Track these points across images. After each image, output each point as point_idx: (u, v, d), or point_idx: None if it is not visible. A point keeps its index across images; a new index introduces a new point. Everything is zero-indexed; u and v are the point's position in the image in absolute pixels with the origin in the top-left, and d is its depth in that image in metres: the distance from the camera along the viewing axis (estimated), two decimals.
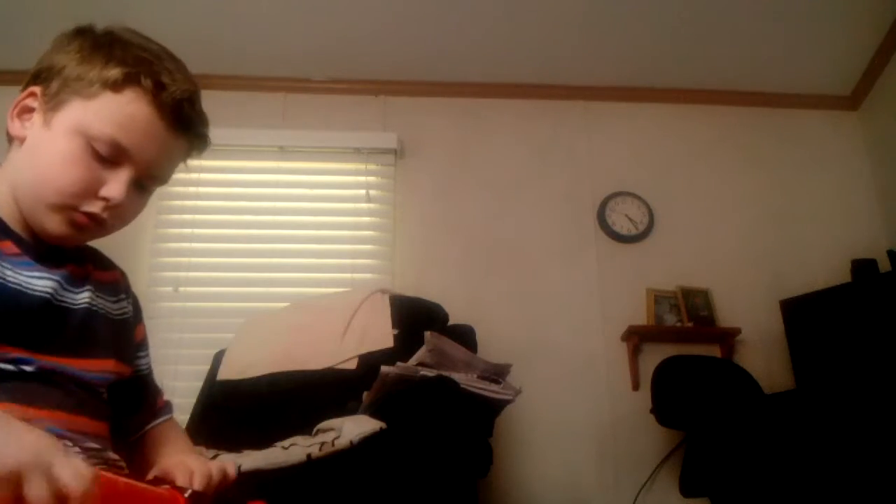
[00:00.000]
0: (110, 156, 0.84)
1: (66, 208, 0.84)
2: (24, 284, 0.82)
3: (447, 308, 2.41)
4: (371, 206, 2.95)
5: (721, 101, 3.16)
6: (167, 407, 1.12)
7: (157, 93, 0.85)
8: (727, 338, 2.74)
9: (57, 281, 0.86)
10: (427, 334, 1.83)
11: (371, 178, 3.00)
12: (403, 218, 2.95)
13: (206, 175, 2.94)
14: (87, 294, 0.91)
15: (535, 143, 3.09)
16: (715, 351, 2.74)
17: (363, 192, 2.96)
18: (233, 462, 0.95)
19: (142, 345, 1.06)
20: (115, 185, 0.85)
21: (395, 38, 2.92)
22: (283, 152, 3.00)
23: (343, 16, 2.80)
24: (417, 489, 1.47)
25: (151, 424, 1.07)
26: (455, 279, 2.82)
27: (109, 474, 0.63)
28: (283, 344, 2.26)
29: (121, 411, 1.02)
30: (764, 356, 2.72)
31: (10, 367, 0.78)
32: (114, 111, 0.84)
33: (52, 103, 0.85)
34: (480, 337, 2.31)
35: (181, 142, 0.91)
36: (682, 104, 3.16)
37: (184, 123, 0.89)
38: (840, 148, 3.12)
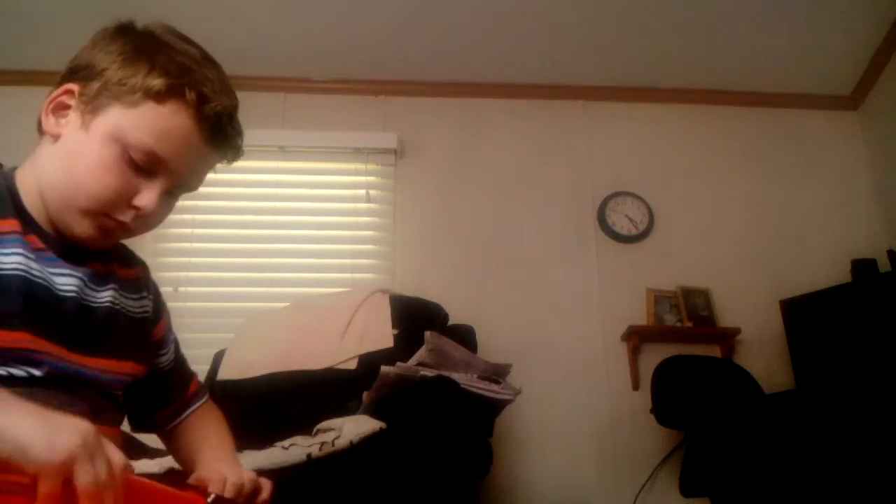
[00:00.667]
0: (146, 165, 0.83)
1: (97, 215, 0.83)
2: (48, 280, 0.82)
3: (447, 308, 2.41)
4: (371, 206, 2.95)
5: (721, 101, 3.16)
6: (200, 391, 1.12)
7: (199, 106, 0.84)
8: (727, 338, 2.74)
9: (80, 279, 0.86)
10: (427, 334, 1.83)
11: (371, 178, 2.99)
12: (403, 218, 2.95)
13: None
14: (109, 293, 0.91)
15: (535, 142, 3.09)
16: (715, 351, 2.74)
17: (363, 192, 2.96)
18: (270, 482, 0.96)
19: (162, 341, 1.05)
20: (149, 195, 0.84)
21: (395, 38, 2.92)
22: (283, 152, 3.00)
23: (343, 16, 2.80)
24: (417, 489, 1.47)
25: (185, 414, 1.07)
26: (455, 279, 2.82)
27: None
28: (283, 344, 2.26)
29: (147, 407, 1.02)
30: (764, 356, 2.72)
31: (20, 372, 0.77)
32: (155, 122, 0.82)
33: (92, 105, 0.83)
34: (480, 337, 2.31)
35: (217, 155, 0.91)
36: (682, 104, 3.16)
37: (222, 138, 0.89)
38: (840, 148, 3.12)
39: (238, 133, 0.92)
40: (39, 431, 0.56)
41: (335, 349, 2.22)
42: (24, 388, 0.74)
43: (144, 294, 1.00)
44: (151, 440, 1.20)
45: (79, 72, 0.85)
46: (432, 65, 3.05)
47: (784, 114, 3.16)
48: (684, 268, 2.88)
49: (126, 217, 0.84)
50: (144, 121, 0.82)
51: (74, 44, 0.90)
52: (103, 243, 0.88)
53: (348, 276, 2.83)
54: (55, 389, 0.79)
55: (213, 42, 3.34)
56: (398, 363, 1.74)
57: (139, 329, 0.97)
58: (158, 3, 2.63)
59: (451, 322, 2.39)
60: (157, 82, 0.82)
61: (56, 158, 0.84)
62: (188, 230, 2.86)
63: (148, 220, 0.88)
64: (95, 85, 0.83)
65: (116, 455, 0.60)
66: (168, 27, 0.90)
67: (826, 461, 1.94)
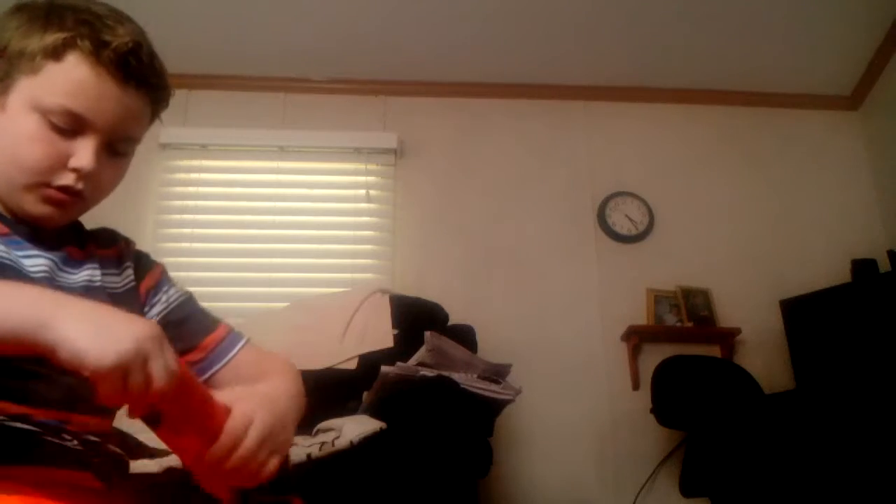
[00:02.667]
0: (69, 126, 0.82)
1: (38, 186, 0.83)
2: (16, 262, 0.81)
3: (447, 308, 2.42)
4: (371, 206, 2.95)
5: (721, 101, 3.16)
6: (234, 335, 1.01)
7: (98, 52, 0.81)
8: (727, 338, 2.73)
9: (51, 260, 0.85)
10: (427, 334, 1.83)
11: (371, 178, 2.99)
12: (403, 218, 2.95)
13: (206, 175, 2.94)
14: (86, 273, 0.90)
15: (535, 143, 3.09)
16: (715, 351, 2.74)
17: (363, 192, 2.96)
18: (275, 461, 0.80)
19: (150, 293, 0.99)
20: (83, 153, 0.83)
21: (395, 38, 2.92)
22: (283, 152, 3.00)
23: (343, 16, 2.80)
24: (417, 489, 1.47)
25: (220, 363, 0.96)
26: (455, 279, 2.82)
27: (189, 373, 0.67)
28: (282, 344, 2.25)
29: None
30: (764, 356, 2.72)
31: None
32: (60, 80, 0.81)
33: (2, 85, 0.83)
34: (480, 337, 2.31)
35: (138, 97, 0.86)
36: (682, 104, 3.16)
37: (134, 77, 0.85)
38: (840, 148, 3.12)
39: (153, 70, 0.88)
40: (93, 338, 0.60)
41: (335, 349, 2.22)
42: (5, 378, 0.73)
43: (127, 265, 0.98)
44: (151, 439, 1.20)
45: None
46: (432, 65, 3.05)
47: (784, 114, 3.16)
48: (684, 268, 2.88)
49: (68, 180, 0.83)
50: (50, 82, 0.81)
51: None
52: (61, 216, 0.87)
53: (348, 276, 2.83)
54: (33, 379, 0.77)
55: (214, 42, 3.35)
56: (398, 363, 1.74)
57: (124, 302, 0.94)
58: (159, 3, 2.62)
59: (451, 322, 2.39)
60: (50, 40, 0.81)
61: None
62: (188, 230, 2.86)
63: (95, 182, 0.86)
64: (2, 65, 0.83)
65: (172, 361, 0.63)
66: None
67: (826, 461, 1.94)
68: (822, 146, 3.12)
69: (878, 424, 1.92)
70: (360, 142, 2.99)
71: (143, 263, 1.01)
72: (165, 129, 2.60)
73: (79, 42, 0.81)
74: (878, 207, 3.00)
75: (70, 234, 0.92)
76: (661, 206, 2.98)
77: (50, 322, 0.61)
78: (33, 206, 0.84)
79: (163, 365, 0.61)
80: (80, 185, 0.84)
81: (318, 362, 2.19)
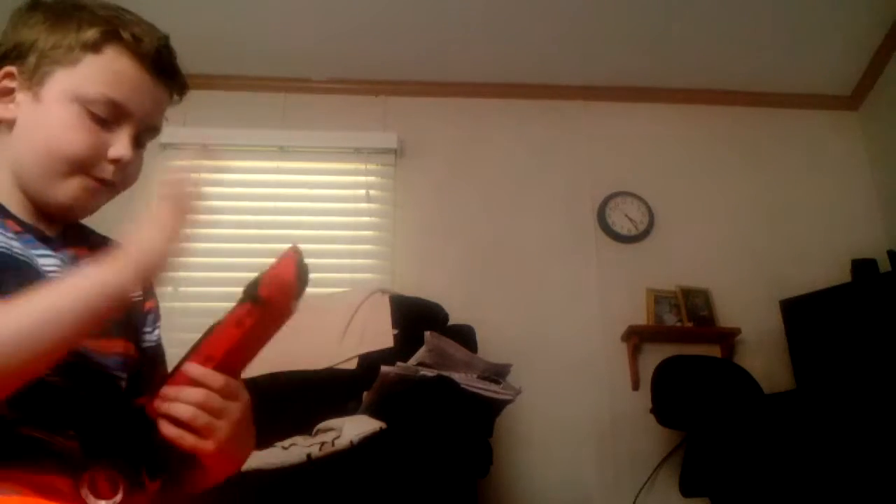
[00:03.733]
0: (108, 115, 0.85)
1: (77, 175, 0.85)
2: (32, 259, 0.82)
3: (447, 308, 2.42)
4: (371, 206, 2.95)
5: (721, 101, 3.16)
6: None
7: (137, 45, 0.85)
8: (727, 338, 2.73)
9: (62, 260, 0.86)
10: (427, 334, 1.83)
11: (371, 178, 2.99)
12: (403, 218, 2.95)
13: (206, 175, 2.94)
14: (64, 265, 0.89)
15: (535, 143, 3.09)
16: (715, 351, 2.74)
17: (363, 192, 2.96)
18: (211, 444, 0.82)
19: (149, 318, 1.02)
20: (121, 143, 0.86)
21: (395, 38, 2.92)
22: (283, 152, 3.00)
23: (343, 16, 2.80)
24: (417, 489, 1.47)
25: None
26: (455, 279, 2.82)
27: None
28: (282, 344, 2.25)
29: (137, 393, 0.98)
30: (764, 356, 2.72)
31: None
32: (101, 71, 0.84)
33: (35, 78, 0.84)
34: (480, 337, 2.31)
35: (165, 90, 0.91)
36: (682, 104, 3.16)
37: (166, 70, 0.90)
38: (840, 148, 3.12)
39: (177, 64, 0.93)
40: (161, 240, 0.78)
41: (335, 349, 2.22)
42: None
43: None
44: None
45: (9, 55, 0.87)
46: (432, 65, 3.05)
47: (784, 114, 3.16)
48: (684, 268, 2.88)
49: (107, 173, 0.86)
50: (91, 73, 0.84)
51: None
52: (91, 206, 0.89)
53: (348, 276, 2.83)
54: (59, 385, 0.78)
55: (214, 42, 3.35)
56: (398, 363, 1.74)
57: (129, 309, 0.94)
58: (158, 3, 2.63)
59: (451, 322, 2.39)
60: (89, 34, 0.84)
61: (20, 140, 0.85)
62: (188, 230, 2.85)
63: (127, 173, 0.89)
64: (32, 59, 0.85)
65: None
66: None
67: (826, 461, 1.94)
68: (822, 146, 3.12)
69: (878, 424, 1.92)
70: (360, 142, 2.99)
71: (149, 285, 1.02)
72: (165, 129, 2.60)
73: (122, 35, 0.84)
74: (878, 207, 3.00)
75: (76, 235, 0.93)
76: (661, 206, 2.98)
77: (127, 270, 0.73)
78: (69, 194, 0.86)
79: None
80: (116, 177, 0.87)
81: (318, 362, 2.19)
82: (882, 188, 3.00)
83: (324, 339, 2.26)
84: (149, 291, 1.03)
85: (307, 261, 0.77)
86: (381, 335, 2.24)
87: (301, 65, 3.05)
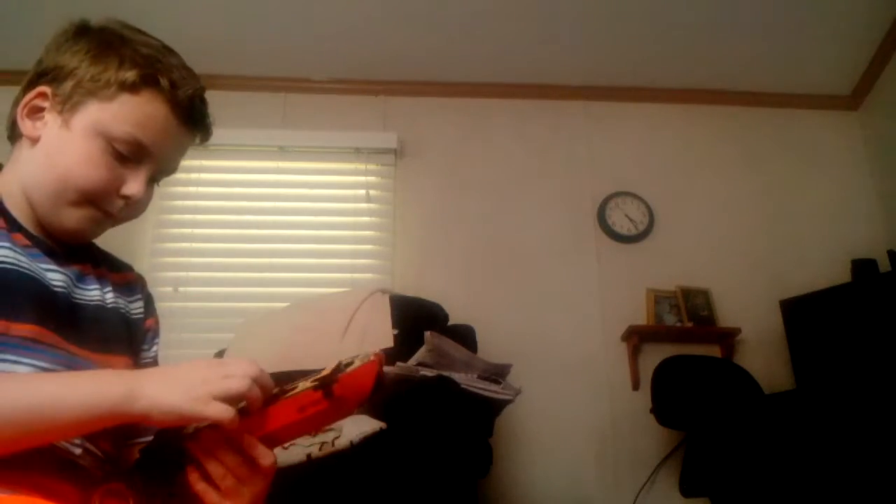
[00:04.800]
0: (131, 154, 0.86)
1: (87, 207, 0.86)
2: (39, 274, 0.82)
3: (447, 308, 2.41)
4: (371, 206, 2.95)
5: (721, 101, 3.16)
6: None
7: (173, 92, 0.88)
8: (727, 338, 2.73)
9: (67, 276, 0.86)
10: (427, 334, 1.83)
11: (371, 178, 2.99)
12: (403, 218, 2.95)
13: (206, 175, 2.94)
14: (97, 291, 0.91)
15: (535, 143, 3.09)
16: (715, 351, 2.74)
17: (363, 192, 2.96)
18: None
19: (149, 335, 1.05)
20: (135, 183, 0.87)
21: (396, 38, 2.92)
22: (283, 152, 3.00)
23: (343, 15, 2.80)
24: (417, 489, 1.47)
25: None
26: (455, 279, 2.82)
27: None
28: (283, 344, 2.26)
29: None
30: (764, 356, 2.72)
31: (29, 368, 0.77)
32: (133, 112, 0.86)
33: (69, 104, 0.85)
34: (480, 337, 2.31)
35: (191, 136, 0.95)
36: (682, 104, 3.16)
37: (196, 119, 0.93)
38: (840, 148, 3.12)
39: (208, 113, 0.96)
40: (181, 394, 0.70)
41: (335, 349, 2.22)
42: None
43: (138, 296, 1.02)
44: None
45: (47, 74, 0.88)
46: (432, 65, 3.05)
47: (784, 114, 3.16)
48: (684, 268, 2.88)
49: (115, 207, 0.88)
50: (124, 112, 0.85)
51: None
52: (92, 234, 0.91)
53: (348, 276, 2.83)
54: None
55: (214, 42, 3.35)
56: (398, 363, 1.74)
57: (133, 327, 0.98)
58: (158, 4, 2.62)
59: (451, 322, 2.39)
60: (129, 74, 0.86)
61: (39, 159, 0.86)
62: (188, 230, 2.86)
63: (135, 208, 0.91)
64: (68, 84, 0.86)
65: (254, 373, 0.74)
66: (123, 23, 0.92)
67: (826, 461, 1.94)
68: (821, 146, 3.12)
69: (878, 424, 1.92)
70: (360, 142, 2.99)
71: (150, 303, 1.06)
72: None
73: (159, 80, 0.87)
74: (878, 207, 3.00)
75: (83, 251, 0.94)
76: (661, 206, 2.99)
77: (137, 393, 0.70)
78: (75, 222, 0.87)
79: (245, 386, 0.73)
80: (123, 213, 0.89)
81: (318, 362, 2.19)
82: (882, 188, 3.00)
83: (324, 339, 2.26)
84: (149, 309, 1.04)
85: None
86: (381, 335, 2.23)
87: (301, 65, 3.05)
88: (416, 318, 2.26)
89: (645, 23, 2.83)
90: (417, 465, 1.49)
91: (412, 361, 1.79)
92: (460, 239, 2.91)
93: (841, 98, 3.18)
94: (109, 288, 0.94)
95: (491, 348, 2.32)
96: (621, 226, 2.94)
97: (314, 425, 0.79)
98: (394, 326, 2.26)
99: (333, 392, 0.74)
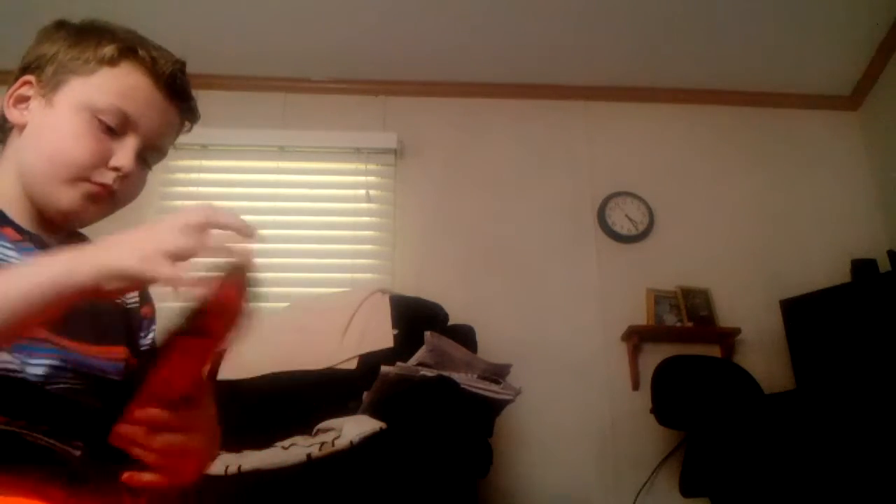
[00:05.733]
0: (117, 126, 0.87)
1: (79, 181, 0.86)
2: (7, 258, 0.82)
3: (447, 308, 2.42)
4: (371, 206, 2.95)
5: (721, 101, 3.16)
6: None
7: (153, 63, 0.89)
8: (727, 338, 2.73)
9: (22, 253, 0.85)
10: (427, 334, 1.83)
11: (371, 178, 2.99)
12: (403, 218, 2.95)
13: (206, 175, 2.94)
14: None
15: (535, 143, 3.09)
16: (715, 351, 2.74)
17: (363, 192, 2.96)
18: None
19: (145, 322, 1.04)
20: (124, 153, 0.88)
21: (395, 38, 2.92)
22: (283, 152, 3.00)
23: (343, 16, 2.80)
24: (417, 489, 1.47)
25: None
26: (455, 279, 2.82)
27: None
28: (283, 344, 2.26)
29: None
30: (764, 356, 2.72)
31: (20, 365, 0.77)
32: (115, 83, 0.87)
33: (51, 85, 0.87)
34: (480, 337, 2.31)
35: (176, 112, 0.94)
36: (682, 104, 3.16)
37: (178, 92, 0.93)
38: (840, 148, 3.12)
39: (191, 91, 0.96)
40: (129, 254, 0.67)
41: (335, 349, 2.22)
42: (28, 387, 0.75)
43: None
44: None
45: (31, 65, 0.90)
46: (432, 65, 3.05)
47: (784, 114, 3.16)
48: (684, 268, 2.88)
49: (107, 179, 0.87)
50: (105, 84, 0.87)
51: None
52: (91, 213, 0.90)
53: (348, 276, 2.83)
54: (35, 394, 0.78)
55: (214, 42, 3.35)
56: (398, 363, 1.74)
57: (128, 316, 0.98)
58: (158, 4, 2.63)
59: (451, 322, 2.39)
60: (108, 49, 0.88)
61: (29, 143, 0.88)
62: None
63: (128, 185, 0.90)
64: (50, 69, 0.88)
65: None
66: (102, 21, 0.95)
67: (826, 461, 1.94)
68: (822, 146, 3.12)
69: (878, 424, 1.92)
70: (360, 142, 2.99)
71: (144, 291, 1.05)
72: None
73: (138, 52, 0.89)
74: (878, 207, 3.00)
75: (76, 244, 0.93)
76: (661, 206, 2.98)
77: (80, 259, 0.67)
78: (70, 200, 0.87)
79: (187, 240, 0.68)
80: (116, 185, 0.88)
81: (318, 362, 2.19)
82: (882, 188, 3.00)
83: (324, 339, 2.26)
84: (145, 296, 1.04)
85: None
86: (381, 335, 2.24)
87: (301, 65, 3.05)
88: (416, 319, 2.26)
89: (645, 23, 2.83)
90: (417, 465, 1.49)
91: (412, 361, 1.79)
92: (460, 239, 2.91)
93: (841, 98, 3.18)
94: None
95: (491, 348, 2.32)
96: (621, 226, 2.94)
97: (206, 358, 0.75)
98: (394, 326, 2.26)
99: (201, 326, 0.69)
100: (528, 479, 2.56)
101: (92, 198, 0.88)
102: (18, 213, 0.87)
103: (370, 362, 2.06)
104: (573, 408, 2.66)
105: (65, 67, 0.87)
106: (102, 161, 0.87)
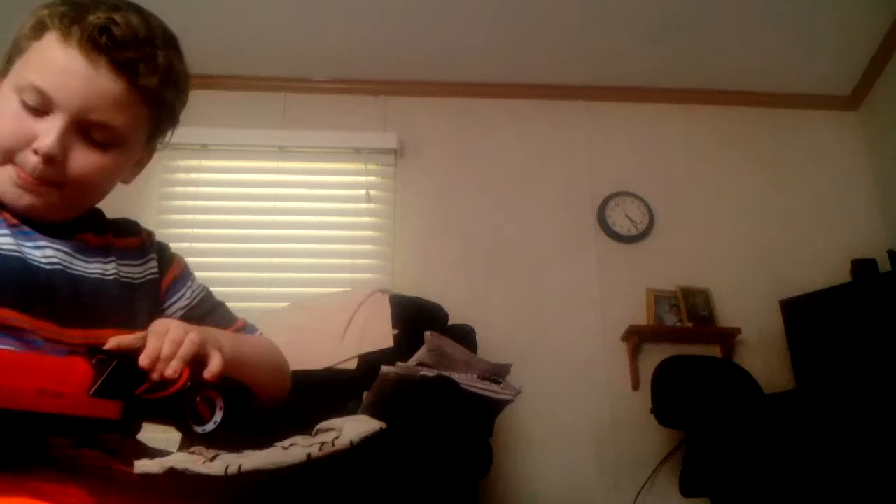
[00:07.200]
0: (38, 104, 0.81)
1: (4, 164, 0.82)
2: (24, 254, 0.81)
3: (447, 308, 2.41)
4: (371, 206, 2.95)
5: (721, 101, 3.16)
6: (248, 328, 1.08)
7: (69, 28, 0.80)
8: (727, 338, 2.73)
9: (62, 251, 0.85)
10: (427, 334, 1.83)
11: (371, 178, 2.99)
12: (403, 218, 2.95)
13: (206, 175, 2.94)
14: (99, 264, 0.90)
15: (535, 143, 3.09)
16: (715, 351, 2.74)
17: (363, 192, 2.96)
18: (218, 355, 0.81)
19: (171, 289, 1.01)
20: (45, 134, 0.80)
21: (395, 38, 2.92)
22: (283, 152, 3.00)
23: (343, 16, 2.80)
24: (417, 489, 1.47)
25: None
26: (455, 279, 2.82)
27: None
28: (283, 344, 2.24)
29: None
30: (764, 356, 2.72)
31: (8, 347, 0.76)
32: (34, 58, 0.82)
33: (3, 70, 0.86)
34: (480, 337, 2.31)
35: (112, 79, 0.82)
36: (682, 104, 3.16)
37: (105, 55, 0.81)
38: (840, 148, 3.12)
39: (130, 45, 0.82)
40: None
41: (335, 349, 2.22)
42: None
43: (151, 256, 0.99)
44: (152, 440, 1.19)
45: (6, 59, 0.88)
46: (432, 65, 3.05)
47: (784, 114, 3.16)
48: (684, 268, 2.88)
49: (31, 162, 0.81)
50: (28, 61, 0.82)
51: None
52: (45, 209, 0.84)
53: (348, 276, 2.83)
54: None
55: (214, 42, 3.35)
56: (398, 363, 1.73)
57: (144, 293, 0.95)
58: (158, 4, 2.62)
59: (451, 322, 2.39)
60: (30, 22, 0.83)
61: None
62: (188, 230, 2.86)
63: (69, 169, 0.83)
64: (12, 52, 0.86)
65: None
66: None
67: (826, 461, 1.94)
68: (822, 146, 3.12)
69: (878, 424, 1.92)
70: (360, 142, 2.99)
71: (165, 256, 1.03)
72: None
73: (52, 20, 0.81)
74: (878, 207, 3.00)
75: (87, 222, 0.92)
76: (661, 206, 2.98)
77: None
78: (6, 188, 0.83)
79: None
80: (43, 170, 0.81)
81: (318, 362, 2.19)
82: (882, 188, 3.00)
83: (324, 339, 2.26)
84: (164, 262, 1.01)
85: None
86: (382, 335, 2.23)
87: (301, 65, 3.05)
88: (416, 319, 2.26)
89: (645, 23, 2.83)
90: (417, 465, 1.49)
91: (412, 361, 1.79)
92: (460, 239, 2.91)
93: (841, 98, 3.18)
94: (113, 258, 0.92)
95: (491, 348, 2.32)
96: (621, 226, 2.94)
97: None
98: (394, 326, 2.26)
99: None
100: (528, 479, 2.56)
101: (20, 185, 0.82)
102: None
103: (370, 362, 2.06)
104: (573, 408, 2.66)
105: (16, 48, 0.84)
106: (24, 142, 0.81)
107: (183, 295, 1.02)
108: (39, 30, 0.81)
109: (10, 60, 0.85)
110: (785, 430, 2.08)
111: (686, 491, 2.21)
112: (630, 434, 2.62)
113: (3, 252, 0.80)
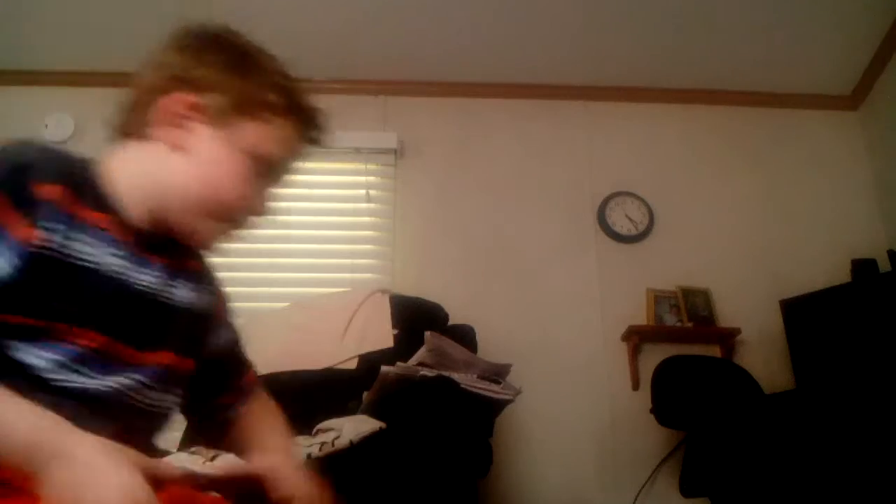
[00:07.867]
0: (266, 173, 0.91)
1: (223, 220, 0.90)
2: (128, 276, 0.83)
3: (447, 308, 2.42)
4: (371, 206, 2.95)
5: (721, 101, 3.16)
6: (255, 383, 1.12)
7: (312, 121, 1.00)
8: (727, 338, 2.73)
9: (160, 277, 0.88)
10: (427, 334, 1.83)
11: (371, 178, 3.00)
12: (403, 218, 2.95)
13: None
14: (180, 289, 0.92)
15: (535, 142, 3.09)
16: (715, 351, 2.74)
17: (363, 192, 2.96)
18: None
19: (218, 323, 1.03)
20: (260, 200, 0.93)
21: (396, 38, 2.92)
22: None
23: (343, 16, 2.80)
24: (417, 489, 1.47)
25: (237, 405, 1.07)
26: (455, 279, 2.82)
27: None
28: (283, 344, 2.26)
29: (201, 394, 1.02)
30: (764, 356, 2.72)
31: (80, 379, 0.77)
32: (276, 133, 0.92)
33: (222, 120, 0.88)
34: (480, 337, 2.31)
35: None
36: (682, 104, 3.16)
37: (318, 134, 1.02)
38: (840, 148, 3.12)
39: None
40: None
41: (335, 349, 2.23)
42: (76, 404, 0.75)
43: (210, 283, 1.02)
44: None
45: (186, 82, 0.89)
46: (432, 65, 3.05)
47: (784, 114, 3.16)
48: (684, 268, 2.88)
49: (243, 220, 0.93)
50: (269, 133, 0.91)
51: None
52: (213, 243, 0.93)
53: (348, 276, 2.83)
54: (88, 406, 0.78)
55: None
56: (398, 363, 1.74)
57: (202, 322, 0.98)
58: (158, 3, 2.62)
59: (451, 322, 2.39)
60: (280, 100, 0.93)
61: (189, 169, 0.87)
62: None
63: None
64: (217, 99, 0.88)
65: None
66: (231, 30, 1.02)
67: (826, 461, 1.94)
68: (822, 146, 3.12)
69: (878, 424, 1.92)
70: (360, 142, 2.99)
71: (220, 287, 1.06)
72: None
73: (301, 107, 0.97)
74: (878, 207, 2.99)
75: (167, 243, 0.93)
76: (661, 206, 2.98)
77: (48, 471, 0.64)
78: (205, 233, 0.90)
79: None
80: (246, 225, 0.94)
81: (318, 362, 2.19)
82: (882, 188, 3.00)
83: (324, 339, 2.26)
84: (219, 294, 1.04)
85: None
86: (382, 335, 2.24)
87: (301, 65, 3.04)
88: (416, 319, 2.26)
89: (645, 23, 2.83)
90: (417, 465, 1.49)
91: (412, 361, 1.79)
92: (460, 239, 2.91)
93: (841, 98, 3.18)
94: (185, 280, 0.94)
95: (491, 348, 2.32)
96: (621, 226, 2.94)
97: None
98: (394, 326, 2.27)
99: None
100: (528, 478, 2.56)
101: (226, 236, 0.92)
102: (139, 214, 0.87)
103: (370, 362, 2.06)
104: (573, 408, 2.66)
105: (239, 108, 0.89)
106: (247, 205, 0.91)
107: (229, 327, 1.07)
108: (283, 111, 0.94)
109: (225, 113, 0.88)
110: (785, 430, 2.08)
111: (686, 491, 2.21)
112: (630, 434, 2.62)
113: (109, 275, 0.81)
